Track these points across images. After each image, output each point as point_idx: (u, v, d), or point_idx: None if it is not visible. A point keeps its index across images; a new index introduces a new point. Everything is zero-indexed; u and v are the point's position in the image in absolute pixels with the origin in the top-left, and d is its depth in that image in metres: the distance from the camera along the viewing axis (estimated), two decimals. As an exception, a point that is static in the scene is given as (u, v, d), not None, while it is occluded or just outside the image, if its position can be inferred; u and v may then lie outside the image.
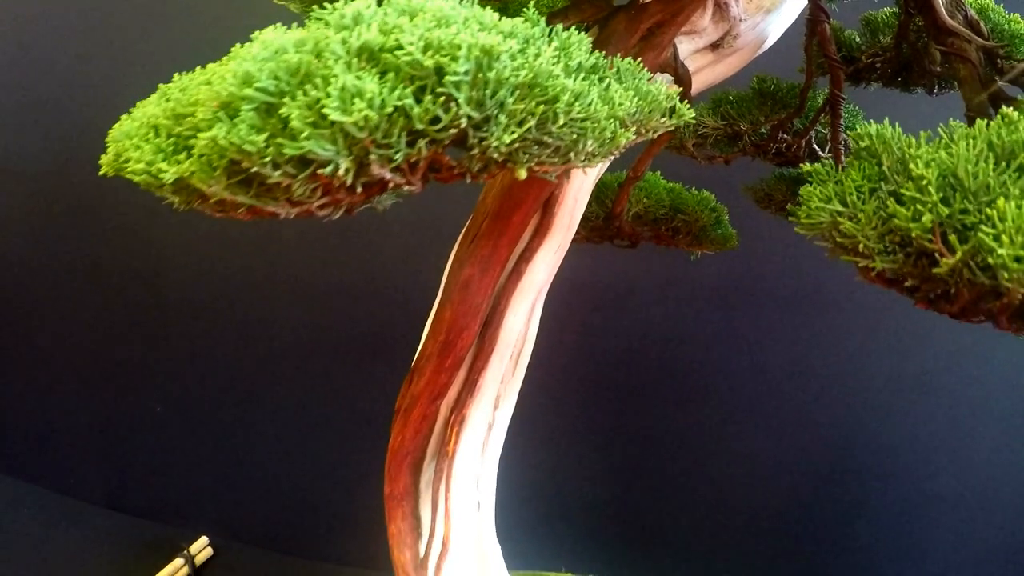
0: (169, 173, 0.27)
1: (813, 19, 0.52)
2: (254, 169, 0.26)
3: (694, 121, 0.36)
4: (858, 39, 0.59)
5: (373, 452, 0.54)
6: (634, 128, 0.28)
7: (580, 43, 0.28)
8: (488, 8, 0.28)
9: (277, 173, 0.26)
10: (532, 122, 0.25)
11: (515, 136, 0.24)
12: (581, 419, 0.91)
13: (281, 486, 0.94)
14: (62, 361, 1.06)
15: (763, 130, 0.59)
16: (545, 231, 0.50)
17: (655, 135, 0.31)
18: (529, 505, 0.84)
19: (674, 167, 0.63)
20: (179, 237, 0.97)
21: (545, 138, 0.26)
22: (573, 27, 0.35)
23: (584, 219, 0.62)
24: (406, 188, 0.29)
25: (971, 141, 0.27)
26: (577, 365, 0.88)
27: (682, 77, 0.50)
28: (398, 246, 0.91)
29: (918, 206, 0.26)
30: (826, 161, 0.33)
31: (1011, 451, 0.85)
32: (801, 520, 0.90)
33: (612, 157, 0.39)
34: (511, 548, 0.61)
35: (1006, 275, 0.24)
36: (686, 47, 0.53)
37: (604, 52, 0.45)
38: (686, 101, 0.50)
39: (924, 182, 0.26)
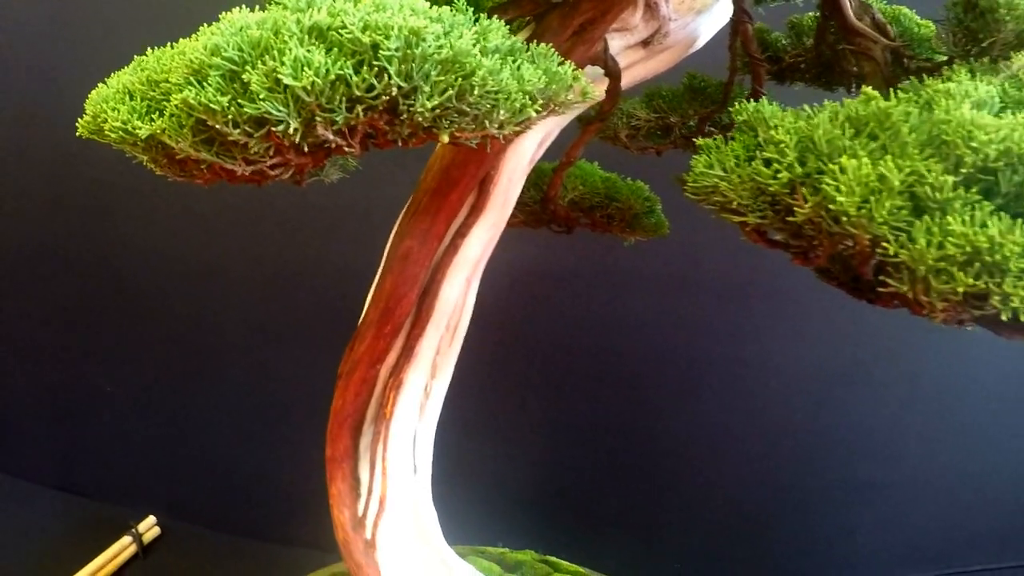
0: (143, 130, 0.34)
1: (737, 20, 0.62)
2: (218, 127, 0.34)
3: (610, 106, 0.44)
4: (784, 41, 0.69)
5: (323, 433, 0.61)
6: (543, 102, 0.37)
7: (498, 29, 0.36)
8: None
9: (236, 131, 0.34)
10: (452, 92, 0.33)
11: (436, 103, 0.33)
12: (520, 399, 0.99)
13: (230, 467, 0.99)
14: (11, 343, 1.10)
15: (691, 123, 0.69)
16: (480, 209, 0.58)
17: (563, 111, 0.39)
18: (468, 481, 0.91)
19: (615, 159, 0.73)
20: (130, 221, 1.03)
21: (464, 107, 0.34)
22: (506, 20, 0.44)
23: (522, 204, 0.71)
24: (347, 150, 0.37)
25: (835, 114, 0.36)
26: (518, 348, 0.97)
27: (612, 70, 0.59)
28: (348, 230, 0.98)
29: (777, 166, 0.35)
30: (717, 136, 0.42)
31: (938, 441, 0.96)
32: (733, 502, 1.00)
33: (527, 131, 0.48)
34: (449, 523, 0.68)
35: (846, 220, 0.32)
36: (618, 43, 0.62)
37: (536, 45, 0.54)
38: (615, 92, 0.60)
39: (783, 145, 0.35)
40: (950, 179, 0.30)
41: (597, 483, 1.01)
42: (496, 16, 0.55)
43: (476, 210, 0.58)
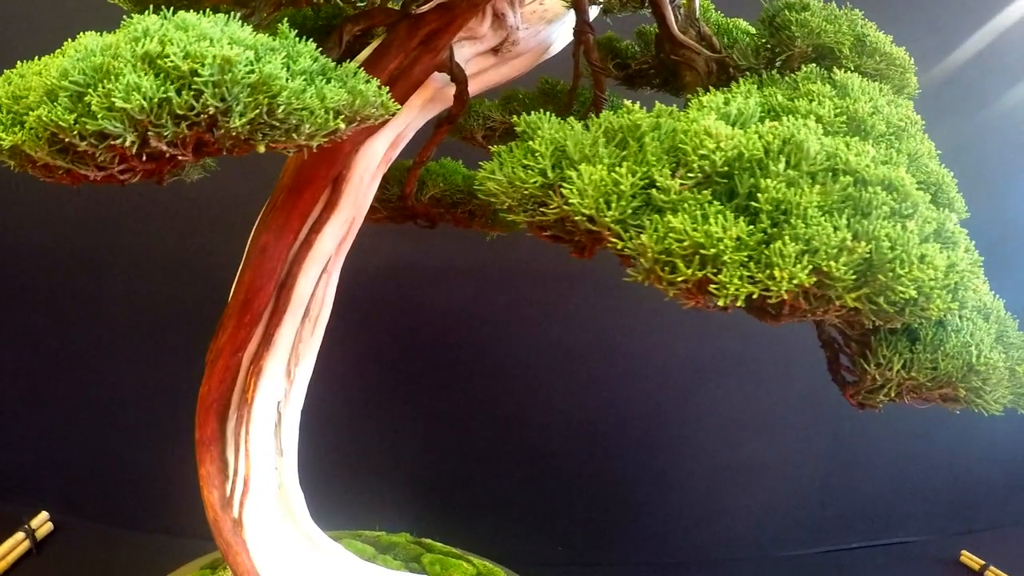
0: (7, 141, 0.46)
1: (578, 31, 0.76)
2: (68, 140, 0.46)
3: (458, 110, 0.55)
4: (635, 48, 0.84)
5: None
6: (348, 116, 0.50)
7: (307, 53, 0.49)
8: (247, 26, 0.49)
9: (84, 143, 0.46)
10: (261, 111, 0.46)
11: (246, 120, 0.46)
12: (405, 390, 1.13)
13: (120, 460, 1.09)
14: None
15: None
16: (333, 206, 0.71)
17: (373, 122, 0.53)
18: (353, 469, 1.05)
19: (478, 157, 0.87)
20: (16, 216, 1.12)
21: (274, 123, 0.47)
22: (358, 30, 0.57)
23: (384, 200, 0.85)
24: (181, 158, 0.49)
25: (598, 125, 0.50)
26: (400, 340, 1.11)
27: (458, 76, 0.73)
28: (225, 222, 1.10)
29: (531, 172, 0.49)
30: (513, 144, 0.56)
31: (809, 426, 1.14)
32: (610, 486, 1.16)
33: (373, 134, 0.61)
34: (333, 508, 0.81)
35: (581, 219, 0.46)
36: (468, 51, 0.76)
37: (385, 54, 0.68)
38: (462, 97, 0.74)
39: (537, 153, 0.49)
40: (677, 182, 0.44)
41: (479, 469, 1.15)
42: (348, 25, 0.69)
43: (329, 207, 0.71)
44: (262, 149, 0.49)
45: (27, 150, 0.46)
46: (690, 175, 0.43)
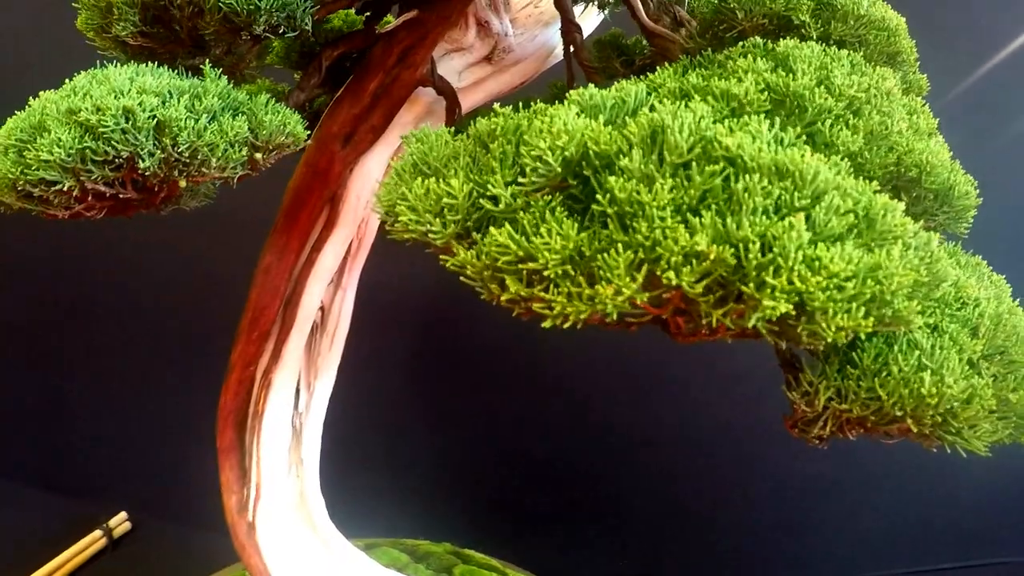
0: (-22, 192, 0.53)
1: (565, 31, 0.72)
2: (25, 188, 0.51)
3: (304, 141, 0.56)
4: (644, 43, 0.78)
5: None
6: (258, 147, 0.51)
7: (213, 93, 0.51)
8: (167, 72, 0.52)
9: (36, 190, 0.51)
10: (167, 152, 0.48)
11: (154, 161, 0.48)
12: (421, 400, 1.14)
13: (199, 465, 1.20)
14: None
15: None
16: (332, 225, 0.73)
17: (291, 150, 0.54)
18: (375, 478, 1.07)
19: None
20: (105, 241, 1.28)
21: (185, 160, 0.49)
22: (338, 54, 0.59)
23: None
24: (124, 196, 0.53)
25: (465, 134, 0.47)
26: (445, 351, 1.11)
27: (443, 89, 0.72)
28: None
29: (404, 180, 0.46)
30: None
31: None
32: (674, 498, 1.07)
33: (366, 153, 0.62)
34: (382, 518, 0.84)
35: (408, 236, 0.43)
36: (458, 62, 0.75)
37: (365, 75, 0.69)
38: (452, 109, 0.73)
39: (403, 164, 0.46)
40: (508, 191, 0.40)
41: (536, 481, 1.12)
42: (326, 51, 0.70)
43: (328, 226, 0.73)
44: (183, 184, 0.51)
45: (0, 198, 0.52)
46: (523, 180, 0.39)
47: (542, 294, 0.36)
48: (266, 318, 0.73)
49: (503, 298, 0.37)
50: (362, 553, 0.79)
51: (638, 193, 0.36)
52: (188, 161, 0.50)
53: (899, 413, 0.39)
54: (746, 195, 0.36)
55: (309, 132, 0.56)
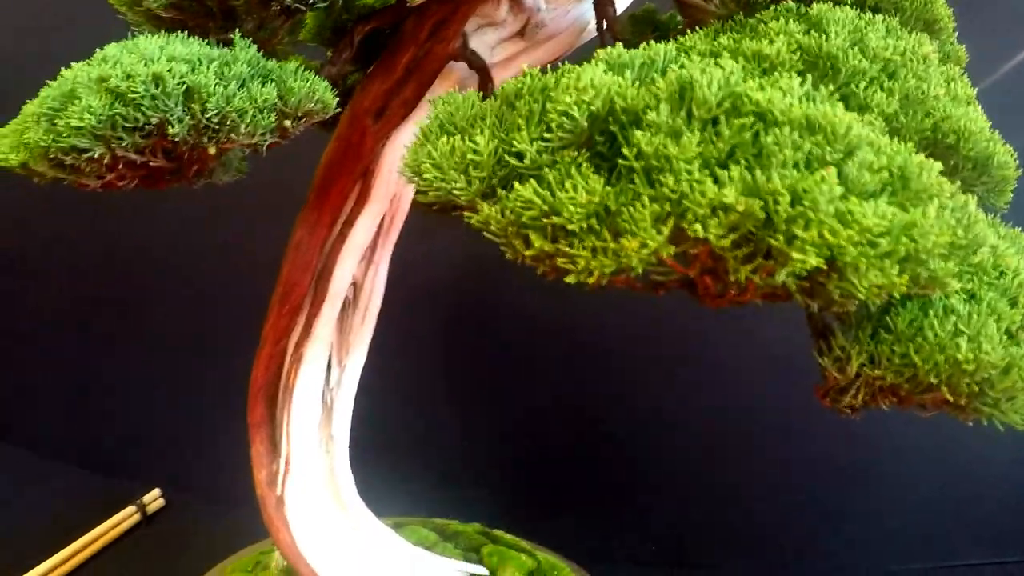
0: (15, 160, 0.54)
1: (597, 4, 0.71)
2: (57, 156, 0.52)
3: (333, 108, 0.56)
4: (678, 18, 0.77)
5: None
6: (288, 114, 0.51)
7: (242, 60, 0.51)
8: (196, 41, 0.53)
9: (68, 159, 0.52)
10: (196, 118, 0.49)
11: (184, 127, 0.49)
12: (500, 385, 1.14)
13: (227, 443, 1.22)
14: (30, 333, 1.44)
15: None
16: (364, 200, 0.73)
17: (320, 116, 0.54)
18: (406, 457, 1.07)
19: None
20: (126, 220, 1.30)
21: (214, 125, 0.50)
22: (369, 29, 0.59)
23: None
24: (154, 164, 0.54)
25: (494, 96, 0.46)
26: (484, 332, 1.11)
27: (475, 64, 0.71)
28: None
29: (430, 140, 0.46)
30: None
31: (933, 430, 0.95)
32: (710, 484, 1.06)
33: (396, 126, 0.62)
34: (391, 499, 0.84)
35: (432, 194, 0.43)
36: (492, 37, 0.75)
37: (398, 49, 0.69)
38: (485, 85, 0.72)
39: (430, 125, 0.46)
40: (534, 147, 0.40)
41: (567, 463, 1.11)
42: (358, 26, 0.70)
43: (360, 201, 0.73)
44: (212, 151, 0.52)
45: (32, 167, 0.54)
46: (549, 136, 0.38)
47: (567, 249, 0.36)
48: (297, 293, 0.73)
49: (527, 254, 0.37)
50: (390, 530, 0.79)
51: (665, 147, 0.35)
52: (218, 127, 0.50)
53: (934, 380, 0.37)
54: (776, 148, 0.34)
55: (339, 100, 0.56)
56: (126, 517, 1.14)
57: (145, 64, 0.49)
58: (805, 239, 0.32)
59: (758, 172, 0.34)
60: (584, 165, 0.38)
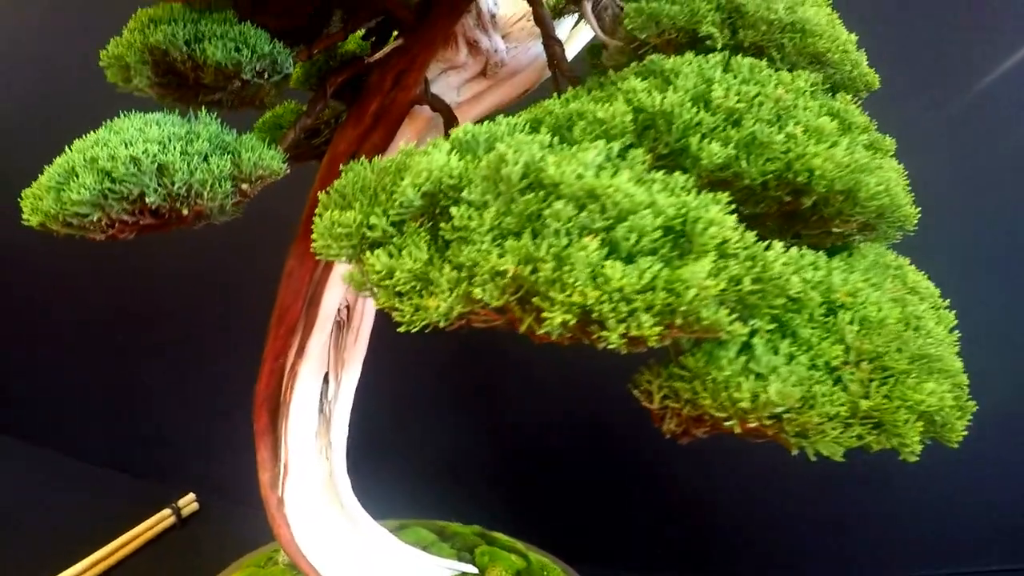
0: (34, 221, 0.71)
1: (545, 44, 0.80)
2: (66, 219, 0.69)
3: (283, 172, 0.69)
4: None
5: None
6: (243, 179, 0.65)
7: (203, 137, 0.65)
8: (169, 120, 0.67)
9: (74, 221, 0.68)
10: (168, 188, 0.63)
11: (159, 196, 0.63)
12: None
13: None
14: (71, 343, 1.67)
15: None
16: (344, 233, 0.86)
17: (273, 179, 0.67)
18: (415, 462, 1.19)
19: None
20: (172, 242, 1.51)
21: (184, 194, 0.64)
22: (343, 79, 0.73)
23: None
24: (142, 222, 0.69)
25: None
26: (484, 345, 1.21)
27: (438, 106, 0.83)
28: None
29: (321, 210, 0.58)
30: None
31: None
32: (711, 488, 1.11)
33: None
34: (399, 501, 0.97)
35: (318, 256, 0.55)
36: (455, 79, 0.86)
37: (366, 98, 0.81)
38: (449, 124, 0.83)
39: (327, 197, 0.58)
40: (387, 221, 0.51)
41: (572, 467, 1.20)
42: (330, 77, 0.83)
43: (341, 235, 0.86)
44: (186, 212, 0.66)
45: (48, 225, 0.70)
46: (398, 211, 0.49)
47: (399, 305, 0.47)
48: (291, 316, 0.88)
49: (376, 305, 0.48)
50: (385, 530, 0.92)
51: (471, 219, 0.45)
52: (187, 195, 0.64)
53: (721, 415, 0.45)
54: (554, 219, 0.44)
55: (284, 167, 0.69)
56: (161, 519, 1.34)
57: (126, 147, 0.63)
58: (559, 299, 0.41)
59: (529, 241, 0.43)
60: (421, 234, 0.48)
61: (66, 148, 0.70)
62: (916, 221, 0.63)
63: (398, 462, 1.11)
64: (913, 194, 0.62)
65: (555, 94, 0.59)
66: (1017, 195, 1.05)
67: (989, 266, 1.06)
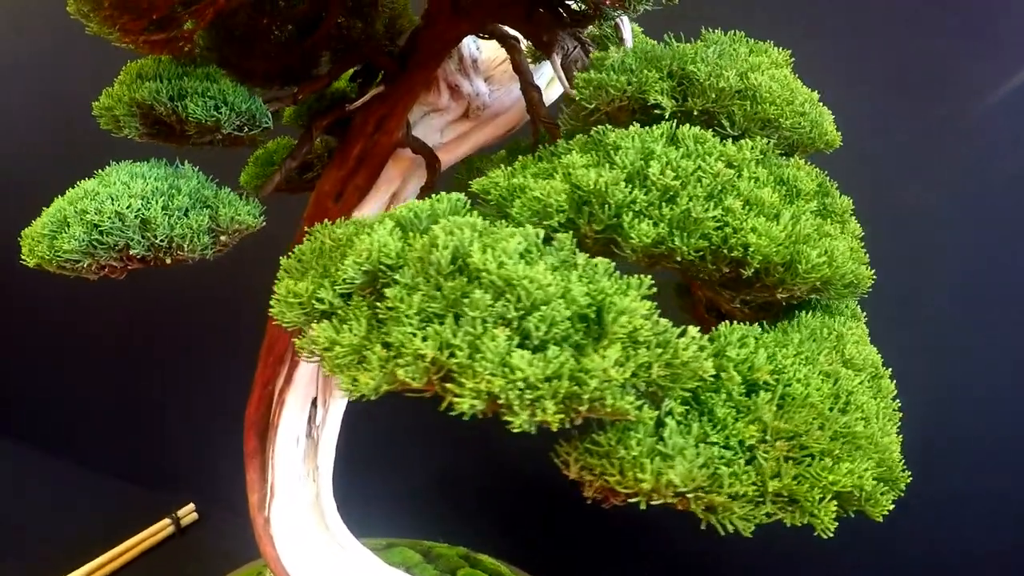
0: (31, 262, 0.79)
1: (523, 89, 0.85)
2: (59, 264, 0.77)
3: (259, 225, 0.76)
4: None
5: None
6: (221, 232, 0.72)
7: (185, 191, 0.72)
8: (154, 174, 0.74)
9: (67, 266, 0.76)
10: (151, 240, 0.71)
11: (143, 247, 0.70)
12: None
13: None
14: (79, 356, 1.77)
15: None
16: (329, 268, 0.93)
17: (249, 230, 0.74)
18: (409, 483, 1.26)
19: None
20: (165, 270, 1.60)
21: (164, 246, 0.71)
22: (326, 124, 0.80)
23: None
24: (130, 267, 0.76)
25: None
26: None
27: (419, 149, 0.88)
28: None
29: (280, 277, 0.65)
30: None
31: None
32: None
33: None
34: (390, 522, 1.05)
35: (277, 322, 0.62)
36: (438, 121, 0.92)
37: (351, 142, 0.88)
38: (432, 165, 0.89)
39: (288, 263, 0.64)
40: (334, 294, 0.57)
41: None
42: (316, 121, 0.90)
43: (327, 270, 0.93)
44: (168, 261, 0.74)
45: (44, 267, 0.78)
46: (344, 285, 0.55)
47: (339, 374, 0.53)
48: (280, 347, 0.95)
49: (324, 371, 0.55)
50: (369, 551, 0.99)
51: (401, 301, 0.51)
52: (168, 246, 0.72)
53: (627, 491, 0.51)
54: (473, 307, 0.49)
55: (260, 220, 0.76)
56: (161, 528, 1.43)
57: (112, 201, 0.71)
58: (469, 385, 0.47)
59: (450, 326, 0.49)
60: (363, 308, 0.55)
61: (57, 197, 0.78)
62: (870, 284, 0.67)
63: (388, 480, 1.19)
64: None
65: (502, 165, 0.64)
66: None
67: (999, 285, 1.08)
